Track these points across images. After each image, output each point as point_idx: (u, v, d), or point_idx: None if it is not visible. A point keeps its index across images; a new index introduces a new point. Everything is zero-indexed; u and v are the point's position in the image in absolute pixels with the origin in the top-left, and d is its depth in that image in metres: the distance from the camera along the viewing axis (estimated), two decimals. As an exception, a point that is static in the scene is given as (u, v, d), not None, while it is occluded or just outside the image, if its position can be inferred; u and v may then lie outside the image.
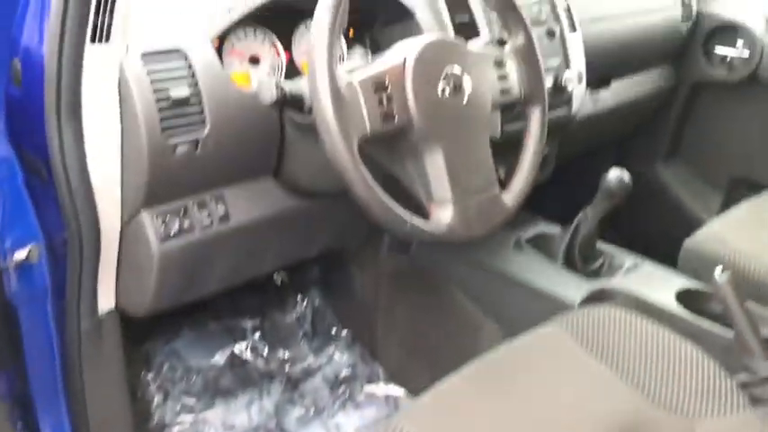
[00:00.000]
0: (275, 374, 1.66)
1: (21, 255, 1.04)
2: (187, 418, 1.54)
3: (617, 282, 1.39)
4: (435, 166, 1.00)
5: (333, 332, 1.77)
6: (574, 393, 1.06)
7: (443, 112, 1.01)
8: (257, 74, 1.23)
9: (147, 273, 1.13)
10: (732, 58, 1.96)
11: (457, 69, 1.02)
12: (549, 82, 1.44)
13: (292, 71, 1.27)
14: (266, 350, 1.68)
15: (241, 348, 1.67)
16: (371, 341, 1.69)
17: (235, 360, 1.66)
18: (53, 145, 0.98)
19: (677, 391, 1.06)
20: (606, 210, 1.41)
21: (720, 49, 1.99)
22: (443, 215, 1.00)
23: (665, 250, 1.57)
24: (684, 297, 1.33)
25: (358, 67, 1.03)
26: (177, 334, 1.66)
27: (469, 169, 1.03)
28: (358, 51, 1.36)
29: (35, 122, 0.99)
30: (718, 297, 1.16)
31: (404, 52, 1.00)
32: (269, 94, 0.98)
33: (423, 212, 1.01)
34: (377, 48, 1.37)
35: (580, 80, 1.57)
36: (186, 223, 1.12)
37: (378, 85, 0.96)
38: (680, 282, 1.37)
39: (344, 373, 1.69)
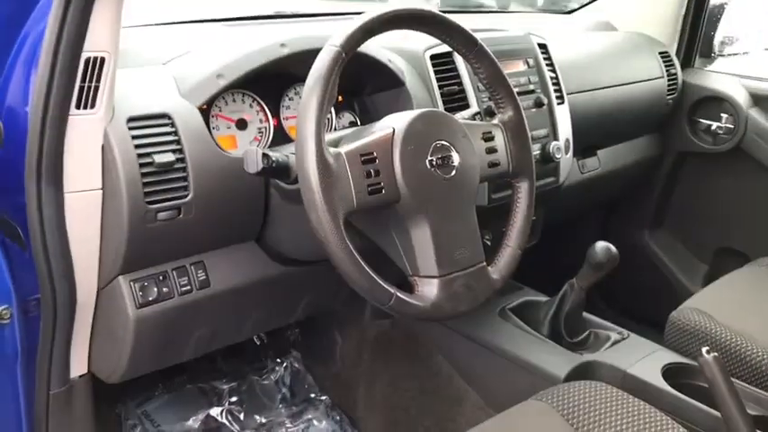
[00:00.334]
0: (252, 440, 1.61)
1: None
2: (159, 486, 1.49)
3: (603, 356, 1.37)
4: (421, 239, 0.98)
5: (312, 397, 1.72)
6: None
7: (431, 186, 1.00)
8: (244, 138, 1.22)
9: (122, 339, 1.10)
10: (717, 129, 1.98)
11: (446, 142, 1.02)
12: (536, 152, 1.45)
13: (280, 136, 1.26)
14: (243, 415, 1.63)
15: (217, 412, 1.62)
16: (352, 408, 1.65)
17: (210, 424, 1.61)
18: (31, 209, 0.96)
19: (663, 476, 1.04)
20: (592, 281, 1.40)
21: (705, 120, 2.02)
22: (429, 291, 0.98)
23: (650, 319, 1.56)
24: (671, 373, 1.31)
25: (346, 138, 1.02)
26: (151, 395, 1.61)
27: (456, 243, 1.01)
28: (347, 117, 1.36)
29: (15, 185, 0.97)
30: (706, 377, 1.15)
31: (393, 124, 1.00)
32: (254, 163, 0.96)
33: (407, 287, 0.99)
34: (366, 114, 1.37)
35: (567, 150, 1.57)
36: (164, 289, 1.09)
37: (366, 158, 0.95)
38: (666, 357, 1.36)
39: (323, 440, 1.64)
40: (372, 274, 0.92)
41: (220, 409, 1.62)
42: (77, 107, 0.93)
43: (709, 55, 2.14)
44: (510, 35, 1.57)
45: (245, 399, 1.66)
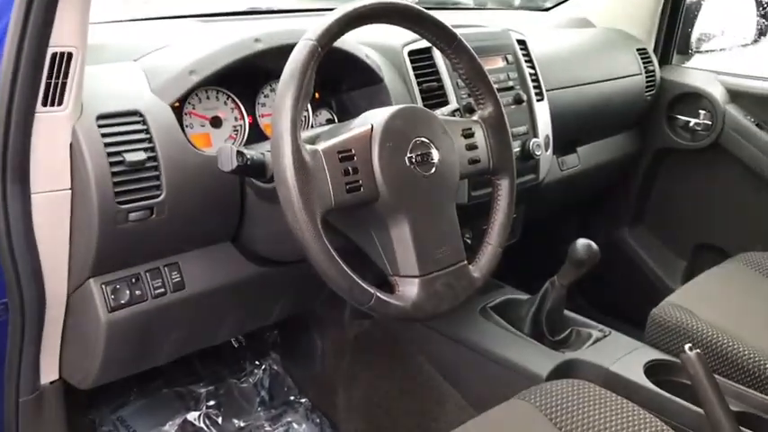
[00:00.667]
0: (230, 445, 1.58)
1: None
2: (134, 493, 1.45)
3: (585, 354, 1.37)
4: (401, 238, 0.96)
5: (291, 400, 1.70)
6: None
7: (411, 183, 0.97)
8: (218, 136, 1.19)
9: (94, 344, 1.07)
10: (695, 125, 1.99)
11: (425, 139, 1.00)
12: (516, 149, 1.44)
13: (255, 134, 1.23)
14: (221, 419, 1.60)
15: (194, 417, 1.59)
16: (332, 411, 1.62)
17: (187, 429, 1.57)
18: None
19: (647, 475, 1.03)
20: (574, 278, 1.39)
21: (683, 117, 2.02)
22: (409, 291, 0.96)
23: (631, 316, 1.56)
24: (653, 370, 1.31)
25: (323, 135, 1.00)
26: (126, 401, 1.57)
27: (437, 242, 0.99)
28: (324, 115, 1.33)
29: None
30: (688, 375, 1.14)
31: (371, 121, 0.97)
32: (228, 161, 0.94)
33: (387, 286, 0.97)
34: (343, 111, 1.34)
35: (547, 147, 1.56)
36: (137, 292, 1.06)
37: (344, 155, 0.93)
38: (648, 354, 1.35)
39: (303, 444, 1.62)
40: (352, 275, 0.90)
41: (198, 413, 1.59)
42: (44, 104, 0.90)
43: (686, 51, 2.14)
44: (488, 31, 1.55)
45: (224, 402, 1.63)
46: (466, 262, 1.04)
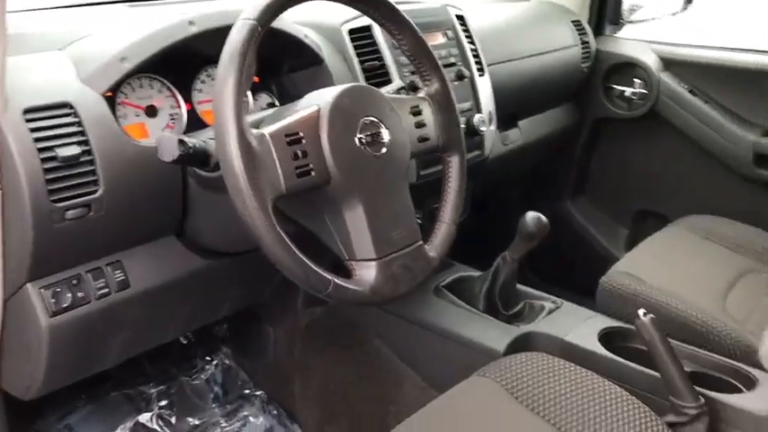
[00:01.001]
0: (186, 444, 1.54)
1: None
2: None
3: (540, 326, 1.37)
4: (356, 221, 0.94)
5: (246, 393, 1.66)
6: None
7: (362, 165, 0.95)
8: (155, 126, 1.14)
9: (36, 352, 1.01)
10: (631, 95, 2.02)
11: (374, 119, 0.97)
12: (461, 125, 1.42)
13: (194, 122, 1.18)
14: (174, 418, 1.56)
15: (146, 418, 1.54)
16: (289, 401, 1.59)
17: (139, 431, 1.52)
18: None
19: (612, 438, 1.04)
20: (525, 252, 1.39)
21: (619, 86, 2.05)
22: (367, 274, 0.93)
23: (581, 286, 1.58)
24: (607, 337, 1.32)
25: (267, 119, 0.96)
26: (73, 408, 1.51)
27: (392, 223, 0.97)
28: (264, 99, 1.29)
29: None
30: (643, 340, 1.16)
31: (317, 102, 0.94)
32: (170, 151, 0.89)
33: (344, 271, 0.94)
34: (284, 94, 1.30)
35: (491, 122, 1.56)
36: (80, 294, 1.01)
37: (292, 139, 0.89)
38: (601, 322, 1.37)
39: (261, 437, 1.59)
40: (308, 262, 0.87)
41: (150, 414, 1.54)
42: None
43: (617, 22, 2.17)
44: (427, 7, 1.53)
45: (176, 401, 1.59)
46: (422, 242, 1.02)
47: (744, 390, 1.20)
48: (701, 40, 2.01)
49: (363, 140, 0.95)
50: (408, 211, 1.01)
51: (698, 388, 1.13)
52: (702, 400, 1.12)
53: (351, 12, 1.06)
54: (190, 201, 1.08)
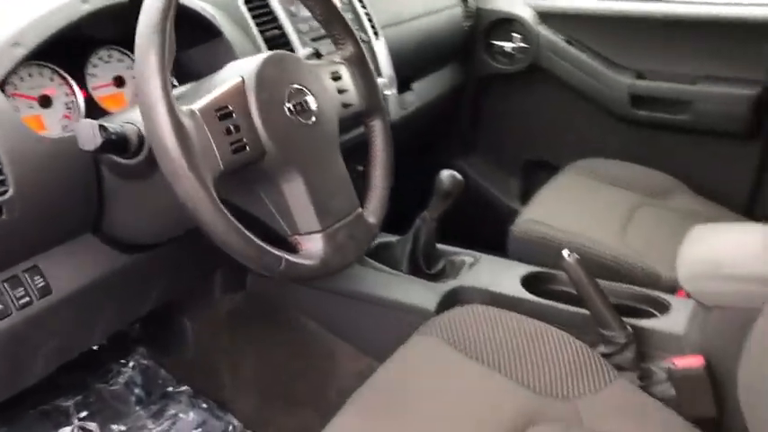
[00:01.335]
0: (114, 453, 1.45)
1: None
2: None
3: (465, 280, 1.40)
4: (296, 194, 0.90)
5: (170, 391, 1.58)
6: (465, 400, 1.04)
7: (295, 134, 0.92)
8: (51, 117, 1.05)
9: (-48, 376, 0.91)
10: (512, 50, 2.08)
11: (299, 86, 0.94)
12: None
13: (92, 109, 1.10)
14: (97, 428, 1.46)
15: (67, 433, 1.44)
16: (218, 392, 1.54)
17: (61, 449, 1.42)
18: None
19: (553, 376, 1.09)
20: (442, 210, 1.41)
21: (500, 42, 2.10)
22: (314, 247, 0.91)
23: (485, 240, 1.62)
24: (528, 282, 1.37)
25: (187, 95, 0.91)
26: (-15, 435, 1.39)
27: (331, 192, 0.95)
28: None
29: None
30: (571, 278, 1.21)
31: (239, 72, 0.90)
32: (91, 139, 0.82)
33: (288, 247, 0.91)
34: (184, 72, 1.23)
35: (392, 86, 1.55)
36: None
37: (222, 113, 0.84)
38: (521, 269, 1.41)
39: (195, 433, 1.52)
40: (258, 242, 0.83)
41: (70, 428, 1.43)
42: None
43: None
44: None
45: (96, 410, 1.49)
46: (361, 209, 1.01)
47: (658, 315, 1.28)
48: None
49: (292, 109, 0.92)
50: (345, 178, 0.99)
51: (624, 318, 1.20)
52: (630, 329, 1.19)
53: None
54: (105, 193, 1.00)
